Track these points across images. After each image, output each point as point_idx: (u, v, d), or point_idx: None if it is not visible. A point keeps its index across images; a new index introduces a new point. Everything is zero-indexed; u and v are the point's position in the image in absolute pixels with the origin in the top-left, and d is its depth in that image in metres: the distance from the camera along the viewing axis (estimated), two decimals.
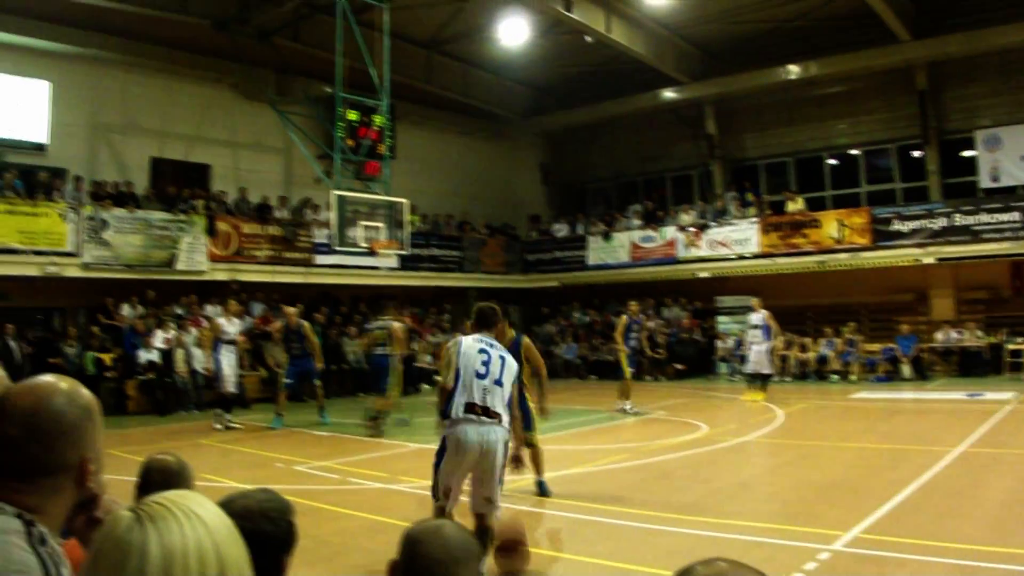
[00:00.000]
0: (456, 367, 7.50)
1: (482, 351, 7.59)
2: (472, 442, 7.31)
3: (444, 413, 7.49)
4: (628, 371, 20.78)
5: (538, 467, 11.10)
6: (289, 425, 18.51)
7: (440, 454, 7.62)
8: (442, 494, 7.63)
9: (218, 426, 18.33)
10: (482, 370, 7.47)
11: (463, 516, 7.50)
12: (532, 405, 10.67)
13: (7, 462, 2.01)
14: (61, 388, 2.07)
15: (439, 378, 8.00)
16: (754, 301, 23.15)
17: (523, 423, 9.50)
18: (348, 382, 26.32)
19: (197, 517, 1.57)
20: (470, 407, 7.36)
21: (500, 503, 7.69)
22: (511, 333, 10.37)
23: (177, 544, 1.51)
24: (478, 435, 7.32)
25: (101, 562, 1.53)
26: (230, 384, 18.69)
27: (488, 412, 7.39)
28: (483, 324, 7.96)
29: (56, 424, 2.01)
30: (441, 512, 7.56)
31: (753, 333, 22.67)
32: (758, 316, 22.43)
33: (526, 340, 10.59)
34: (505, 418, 7.51)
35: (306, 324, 20.07)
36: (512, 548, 5.75)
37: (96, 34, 24.64)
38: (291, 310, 19.92)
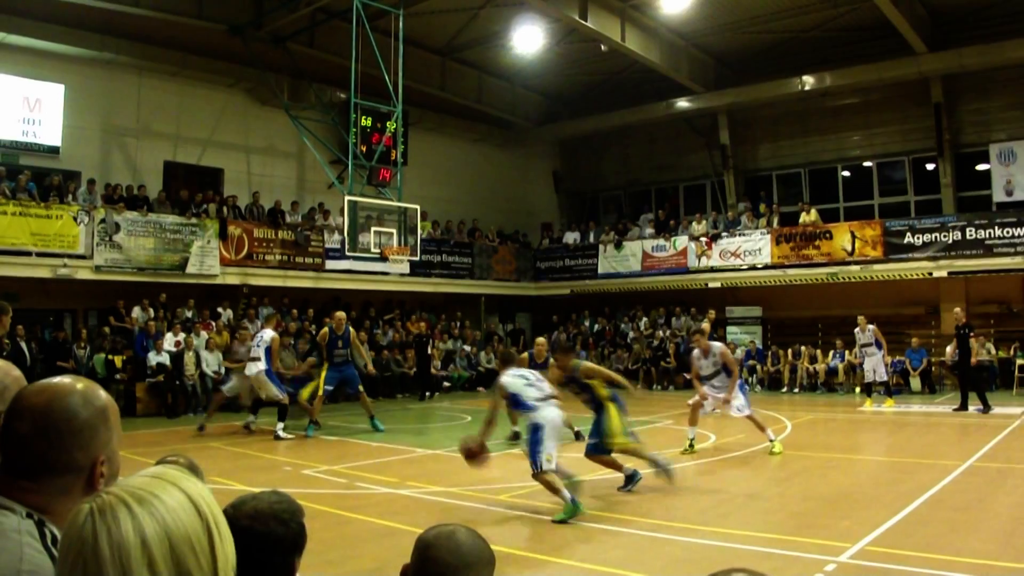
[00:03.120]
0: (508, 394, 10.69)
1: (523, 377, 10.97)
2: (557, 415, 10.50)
3: (523, 405, 10.53)
4: None
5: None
6: (296, 429, 18.43)
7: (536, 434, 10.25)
8: (546, 461, 10.05)
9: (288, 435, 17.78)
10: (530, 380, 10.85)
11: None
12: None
13: (17, 460, 2.01)
14: (76, 388, 2.06)
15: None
16: (860, 319, 23.42)
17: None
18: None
19: (154, 500, 1.55)
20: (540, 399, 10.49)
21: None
22: (573, 362, 12.27)
23: (128, 535, 1.49)
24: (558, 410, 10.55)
25: (64, 557, 1.54)
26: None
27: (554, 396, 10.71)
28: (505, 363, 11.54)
29: (67, 424, 1.99)
30: (549, 481, 10.02)
31: (867, 349, 23.21)
32: (868, 334, 22.98)
33: (583, 366, 12.40)
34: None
35: (352, 330, 19.63)
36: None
37: (111, 38, 24.74)
38: (340, 315, 19.21)
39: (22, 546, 1.89)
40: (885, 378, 23.47)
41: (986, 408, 21.09)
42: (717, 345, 15.80)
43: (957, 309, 22.97)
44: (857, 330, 23.47)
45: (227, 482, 11.91)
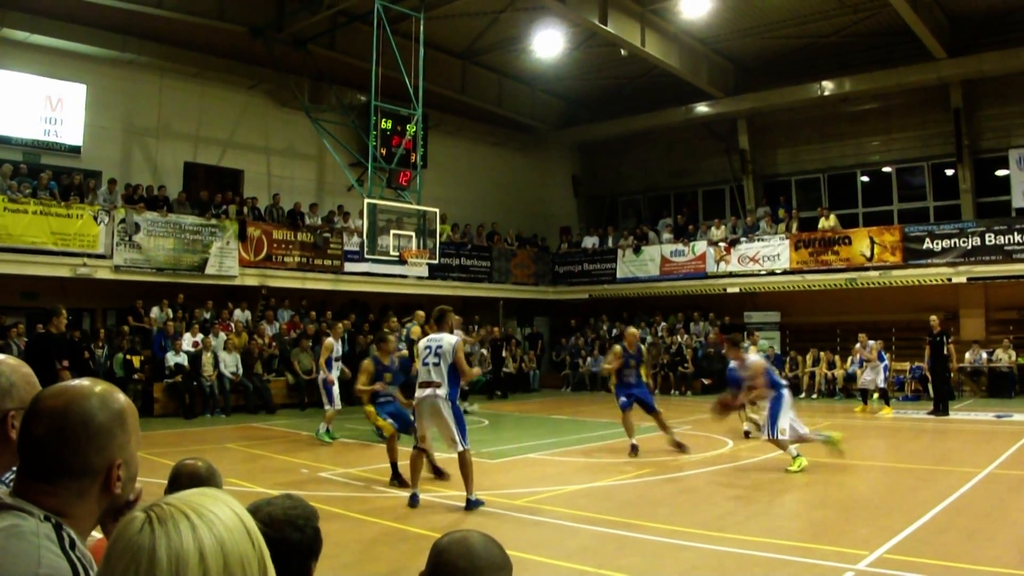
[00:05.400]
0: None
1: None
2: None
3: None
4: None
5: None
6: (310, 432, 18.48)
7: None
8: None
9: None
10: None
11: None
12: None
13: (34, 463, 2.02)
14: (94, 391, 2.06)
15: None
16: (862, 337, 24.26)
17: None
18: None
19: (211, 514, 1.56)
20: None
21: None
22: None
23: (188, 545, 1.51)
24: None
25: (114, 565, 1.53)
26: None
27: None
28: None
29: (84, 427, 2.00)
30: None
31: (870, 363, 23.63)
32: (867, 349, 23.69)
33: None
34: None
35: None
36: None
37: (132, 39, 24.84)
38: (633, 331, 17.81)
39: (40, 549, 1.89)
40: (883, 385, 23.54)
41: (939, 412, 21.95)
42: (750, 359, 14.82)
43: (933, 317, 22.97)
44: (857, 346, 24.07)
45: (245, 484, 11.94)
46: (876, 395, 23.43)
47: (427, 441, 11.30)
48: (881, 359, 23.40)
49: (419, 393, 11.09)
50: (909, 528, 9.47)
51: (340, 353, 18.94)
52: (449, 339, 11.12)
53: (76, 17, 23.44)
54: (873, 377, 23.41)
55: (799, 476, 13.43)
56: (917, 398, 25.99)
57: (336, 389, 18.08)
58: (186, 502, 1.58)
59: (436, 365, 10.93)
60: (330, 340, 18.54)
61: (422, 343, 11.35)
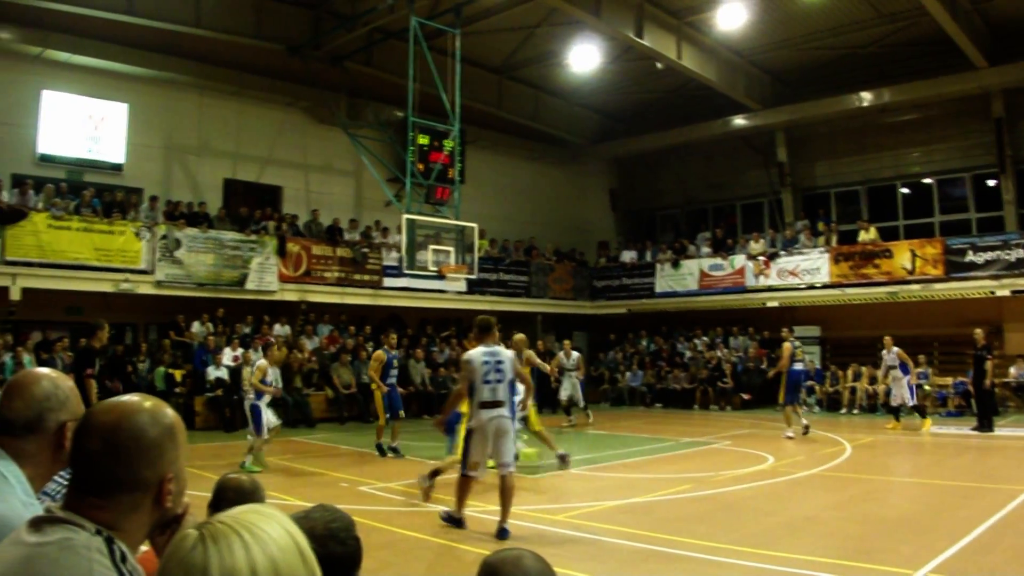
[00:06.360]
0: None
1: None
2: None
3: None
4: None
5: None
6: (359, 447, 18.48)
7: None
8: None
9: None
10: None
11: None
12: None
13: (86, 477, 2.05)
14: (145, 407, 2.10)
15: None
16: (887, 340, 23.30)
17: None
18: (414, 404, 26.29)
19: (263, 533, 1.58)
20: None
21: None
22: None
23: (240, 564, 1.52)
24: None
25: None
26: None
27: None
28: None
29: (135, 442, 2.03)
30: None
31: (893, 372, 23.05)
32: (892, 356, 22.86)
33: None
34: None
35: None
36: None
37: (172, 58, 25.15)
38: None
39: (91, 563, 1.91)
40: (912, 401, 23.05)
41: (983, 428, 21.50)
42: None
43: (977, 331, 22.59)
44: (884, 351, 23.31)
45: (284, 497, 11.96)
46: (912, 411, 23.12)
47: (480, 468, 10.59)
48: (904, 371, 22.76)
49: (485, 414, 10.36)
50: (954, 547, 9.33)
51: (275, 377, 17.73)
52: (507, 353, 10.67)
53: (117, 38, 23.74)
54: (899, 392, 22.82)
55: (839, 493, 13.35)
56: (960, 414, 25.67)
57: (266, 417, 16.29)
58: (238, 520, 1.60)
59: (500, 383, 10.37)
60: (263, 363, 17.13)
61: (478, 358, 10.42)
